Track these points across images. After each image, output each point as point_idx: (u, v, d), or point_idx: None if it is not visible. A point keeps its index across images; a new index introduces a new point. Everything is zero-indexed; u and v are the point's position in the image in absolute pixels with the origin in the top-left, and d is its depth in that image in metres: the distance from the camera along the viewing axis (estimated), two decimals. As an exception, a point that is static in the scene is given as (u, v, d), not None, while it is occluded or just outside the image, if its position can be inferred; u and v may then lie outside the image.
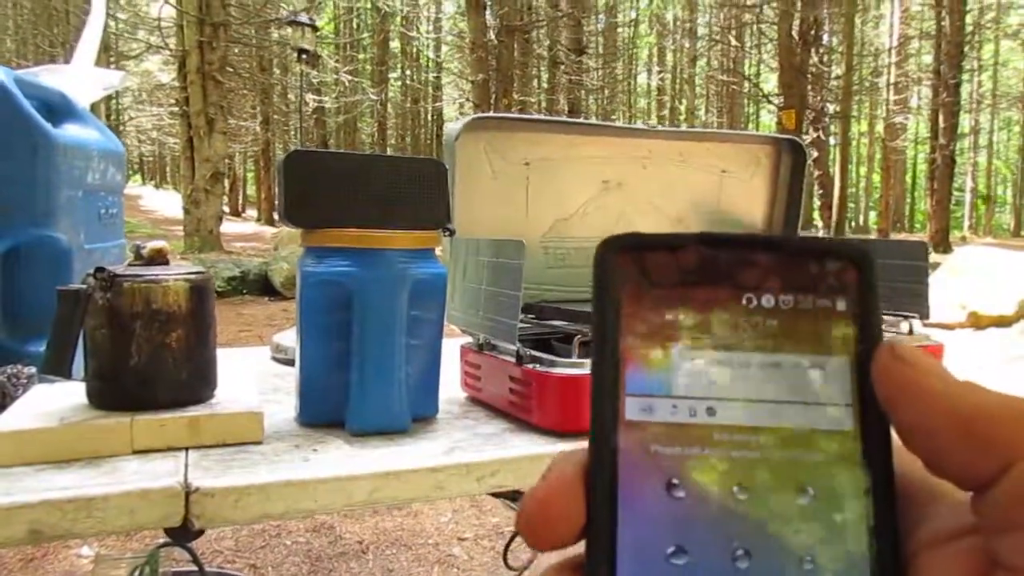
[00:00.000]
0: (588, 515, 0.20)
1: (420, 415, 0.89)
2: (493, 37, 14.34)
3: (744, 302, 0.22)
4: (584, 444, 0.22)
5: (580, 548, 0.21)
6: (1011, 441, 0.19)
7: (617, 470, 0.21)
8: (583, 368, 0.82)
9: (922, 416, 0.20)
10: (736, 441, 0.21)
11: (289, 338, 1.19)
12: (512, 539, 1.57)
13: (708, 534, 0.20)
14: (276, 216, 0.91)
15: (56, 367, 0.77)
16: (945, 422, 0.19)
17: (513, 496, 1.15)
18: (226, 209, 17.07)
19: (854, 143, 29.35)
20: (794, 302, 0.22)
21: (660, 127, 1.24)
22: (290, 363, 1.10)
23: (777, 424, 0.21)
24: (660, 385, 0.21)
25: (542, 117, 1.53)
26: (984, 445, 0.19)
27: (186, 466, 0.72)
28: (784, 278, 0.22)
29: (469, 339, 0.99)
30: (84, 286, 0.79)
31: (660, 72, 30.84)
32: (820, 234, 13.24)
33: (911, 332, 1.01)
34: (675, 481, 0.21)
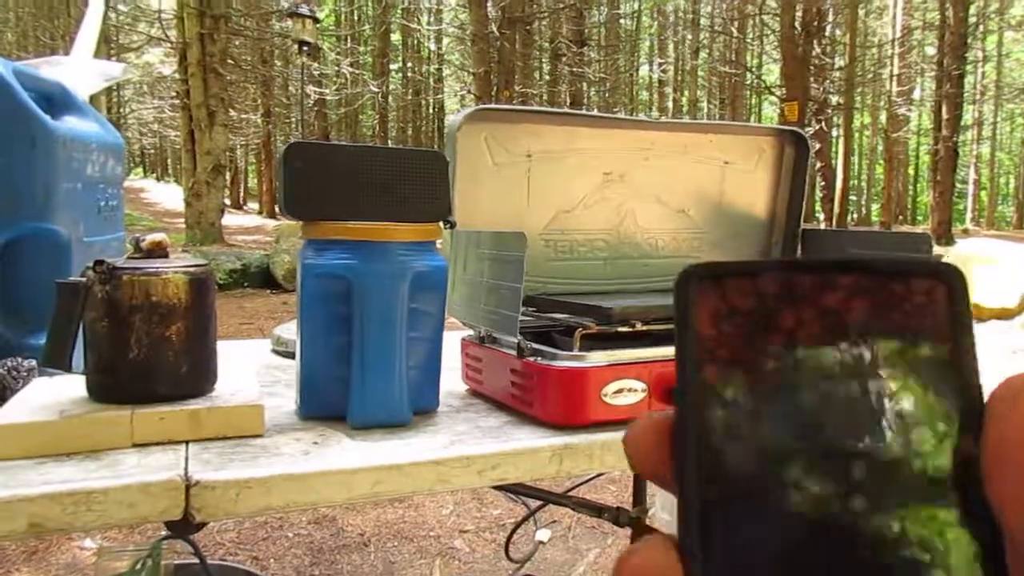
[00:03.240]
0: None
1: (421, 408, 0.88)
2: (495, 29, 14.29)
3: (828, 327, 0.21)
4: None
5: None
6: None
7: (704, 506, 0.20)
8: (584, 361, 0.81)
9: None
10: (824, 476, 0.20)
11: (289, 331, 1.19)
12: (514, 531, 1.57)
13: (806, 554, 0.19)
14: (277, 209, 0.91)
15: (56, 360, 0.77)
16: None
17: (515, 489, 1.14)
18: (227, 202, 17.07)
19: (856, 135, 29.27)
20: (880, 325, 0.21)
21: (662, 119, 1.23)
22: (291, 356, 1.09)
23: (868, 454, 0.20)
24: (745, 415, 0.20)
25: (544, 109, 1.53)
26: None
27: (186, 459, 0.72)
28: (869, 300, 0.21)
29: (470, 332, 0.99)
30: (83, 279, 0.78)
31: (662, 64, 30.73)
32: (822, 226, 13.20)
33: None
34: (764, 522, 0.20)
